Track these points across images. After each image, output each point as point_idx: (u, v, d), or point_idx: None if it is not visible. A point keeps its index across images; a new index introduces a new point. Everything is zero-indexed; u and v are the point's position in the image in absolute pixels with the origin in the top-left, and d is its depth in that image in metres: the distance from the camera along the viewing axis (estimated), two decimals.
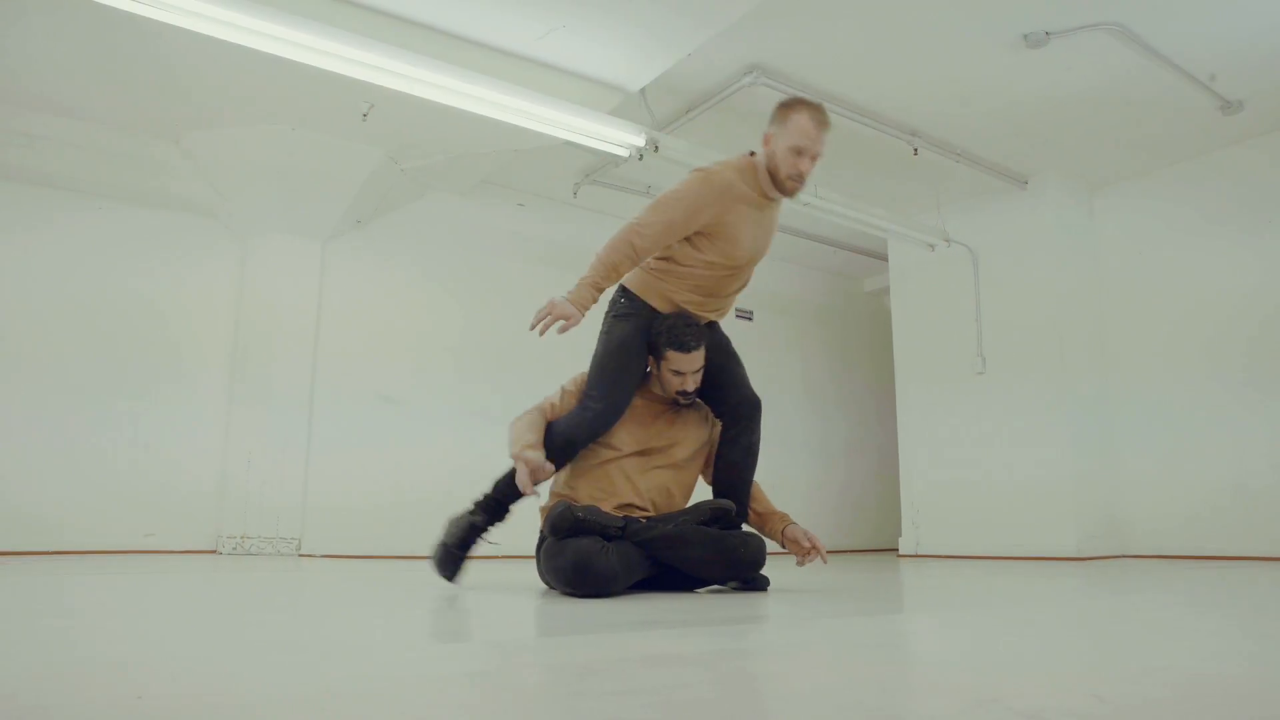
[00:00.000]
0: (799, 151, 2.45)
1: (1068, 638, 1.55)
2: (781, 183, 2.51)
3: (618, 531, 2.29)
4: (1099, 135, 4.79)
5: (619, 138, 4.07)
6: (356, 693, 0.94)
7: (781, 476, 6.54)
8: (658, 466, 2.60)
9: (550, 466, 2.41)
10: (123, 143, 4.52)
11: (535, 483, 2.37)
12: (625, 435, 2.59)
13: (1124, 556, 4.99)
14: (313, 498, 4.72)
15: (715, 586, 2.55)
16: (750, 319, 6.67)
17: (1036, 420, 5.13)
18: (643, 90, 4.16)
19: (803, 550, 2.58)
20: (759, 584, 2.51)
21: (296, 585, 2.73)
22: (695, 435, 2.68)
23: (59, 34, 3.69)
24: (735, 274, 2.63)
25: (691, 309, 2.61)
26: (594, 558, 2.15)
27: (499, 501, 2.48)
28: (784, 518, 2.68)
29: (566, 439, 2.50)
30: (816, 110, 2.47)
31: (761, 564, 2.43)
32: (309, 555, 4.59)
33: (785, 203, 5.29)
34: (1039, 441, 5.10)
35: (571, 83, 4.04)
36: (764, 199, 2.57)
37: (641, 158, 4.20)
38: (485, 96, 3.73)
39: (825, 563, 2.59)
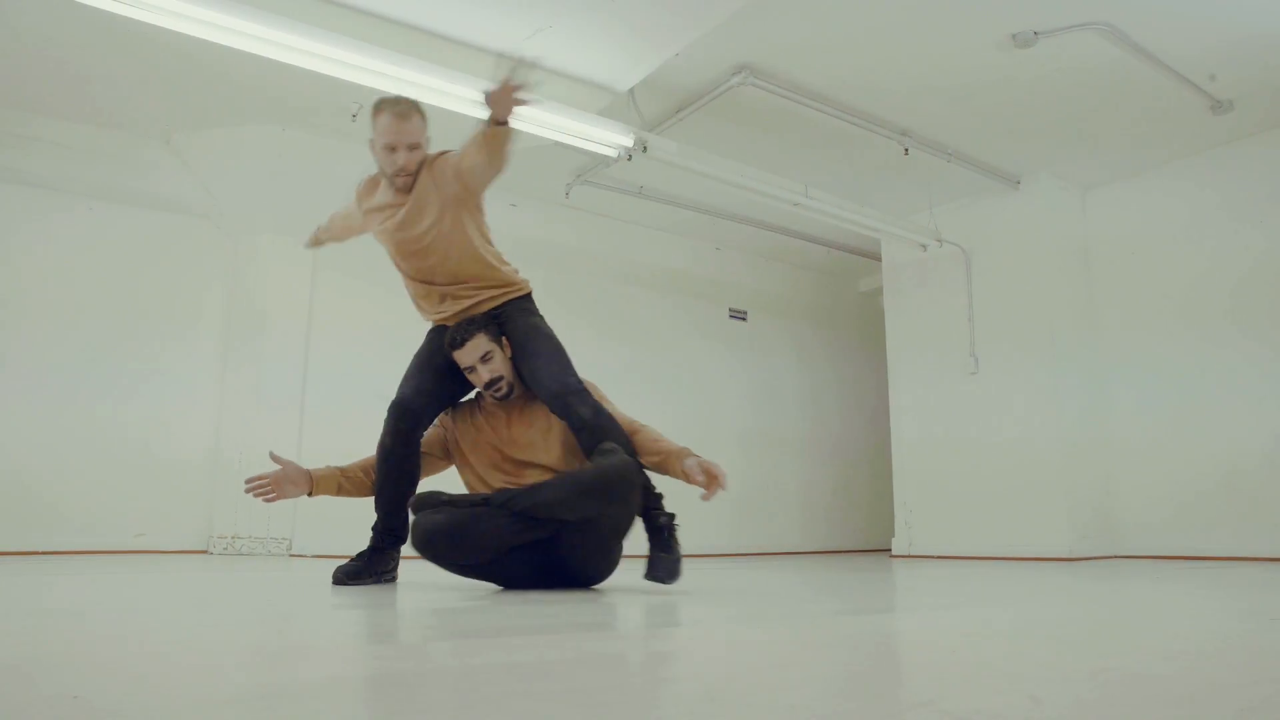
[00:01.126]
0: (390, 148, 2.56)
1: (1029, 637, 1.55)
2: (390, 179, 2.63)
3: (480, 502, 2.31)
4: (1090, 135, 4.78)
5: (607, 138, 4.07)
6: (284, 693, 0.95)
7: (774, 476, 6.61)
8: (535, 467, 2.57)
9: (295, 492, 2.80)
10: (113, 143, 4.54)
11: (266, 488, 2.74)
12: (482, 456, 2.62)
13: (1117, 557, 4.97)
14: (304, 498, 4.72)
15: (654, 587, 2.45)
16: (744, 319, 6.67)
17: (1029, 420, 5.12)
18: (631, 90, 4.16)
19: (700, 484, 2.37)
20: (661, 574, 2.34)
21: (274, 586, 2.74)
22: (551, 427, 2.61)
23: (50, 35, 3.70)
24: (407, 261, 2.76)
25: (429, 310, 2.85)
26: (429, 523, 2.25)
27: (383, 530, 2.77)
28: (682, 453, 2.46)
29: (380, 443, 2.71)
30: (393, 104, 2.57)
31: (632, 480, 2.27)
32: (300, 555, 4.59)
33: (779, 203, 5.25)
34: (1032, 441, 5.09)
35: (559, 83, 4.04)
36: (396, 194, 2.67)
37: (630, 158, 4.20)
38: (472, 97, 3.73)
39: (725, 489, 2.36)
